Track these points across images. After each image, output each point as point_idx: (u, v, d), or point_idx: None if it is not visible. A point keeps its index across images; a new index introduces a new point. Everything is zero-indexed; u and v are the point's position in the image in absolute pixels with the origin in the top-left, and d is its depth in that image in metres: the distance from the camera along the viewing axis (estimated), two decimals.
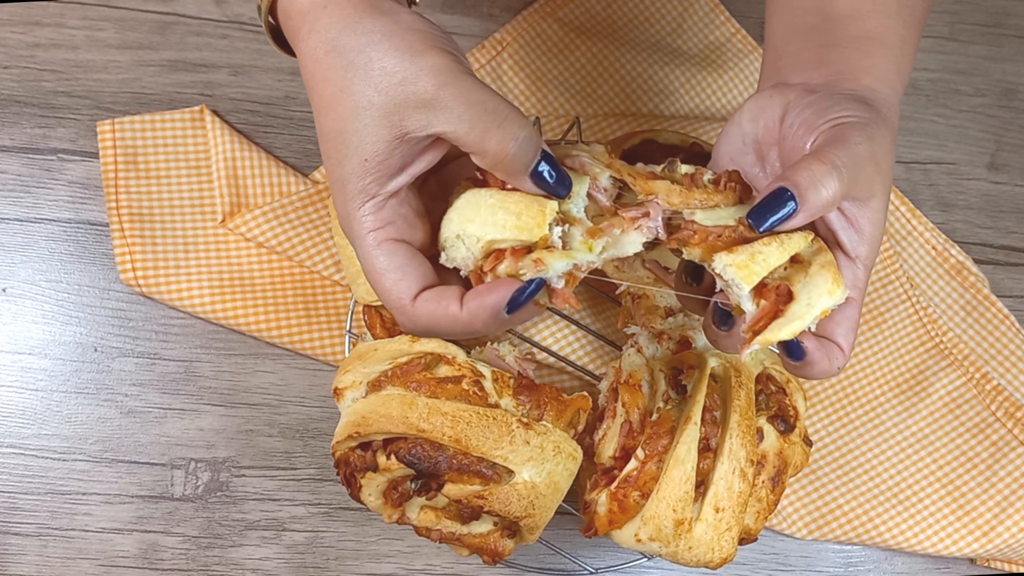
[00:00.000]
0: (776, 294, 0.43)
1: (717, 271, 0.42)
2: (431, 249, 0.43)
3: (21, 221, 0.68)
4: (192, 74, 0.71)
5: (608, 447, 0.57)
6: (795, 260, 0.43)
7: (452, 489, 0.51)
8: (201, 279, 0.67)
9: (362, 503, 0.55)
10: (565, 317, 0.68)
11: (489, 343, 0.61)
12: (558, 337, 0.68)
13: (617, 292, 0.64)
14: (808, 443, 0.59)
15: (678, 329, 0.61)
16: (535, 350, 0.67)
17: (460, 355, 0.55)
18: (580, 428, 0.56)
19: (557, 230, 0.40)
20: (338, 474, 0.54)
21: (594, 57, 0.74)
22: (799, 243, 0.43)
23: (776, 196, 0.41)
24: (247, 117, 0.71)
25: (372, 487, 0.54)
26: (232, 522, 0.66)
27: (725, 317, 0.45)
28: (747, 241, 0.42)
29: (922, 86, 0.79)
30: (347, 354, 0.64)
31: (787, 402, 0.57)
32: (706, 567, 0.54)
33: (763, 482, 0.56)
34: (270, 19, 0.43)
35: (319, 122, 0.40)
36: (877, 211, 0.44)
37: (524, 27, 0.74)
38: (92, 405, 0.66)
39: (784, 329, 0.42)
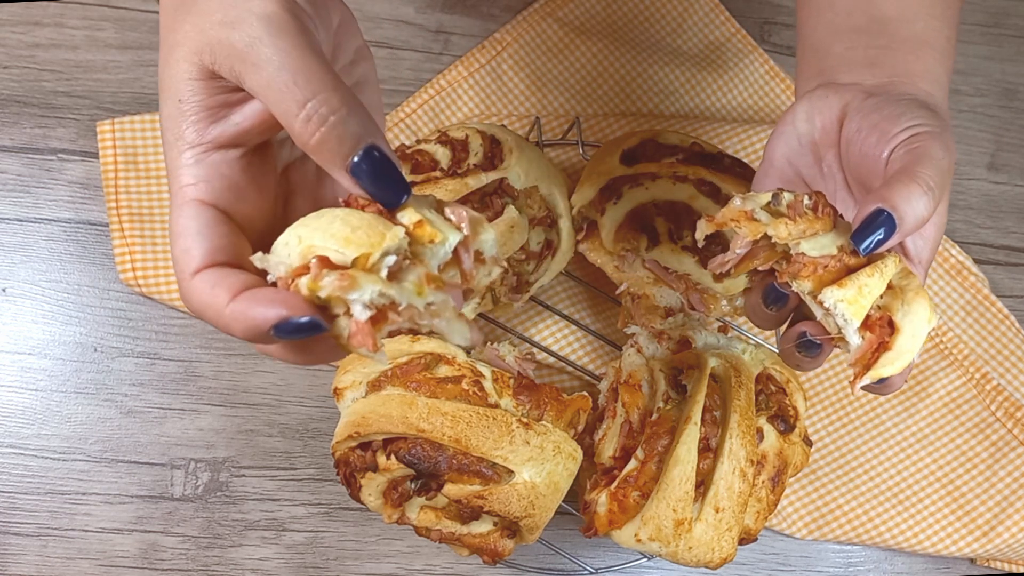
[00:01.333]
0: (880, 326, 0.42)
1: (827, 306, 0.41)
2: (257, 227, 0.36)
3: (21, 221, 0.68)
4: None
5: (608, 447, 0.57)
6: (888, 285, 0.43)
7: (452, 489, 0.51)
8: None
9: (362, 503, 0.55)
10: (565, 317, 0.68)
11: (489, 343, 0.61)
12: (558, 337, 0.68)
13: (617, 292, 0.64)
14: (808, 443, 0.59)
15: (678, 329, 0.61)
16: (535, 350, 0.67)
17: (460, 355, 0.55)
18: (580, 428, 0.56)
19: (391, 259, 0.32)
20: (338, 474, 0.54)
21: (594, 57, 0.74)
22: (892, 268, 0.42)
23: (875, 217, 0.40)
24: None
25: (372, 487, 0.54)
26: (232, 522, 0.66)
27: (812, 346, 0.44)
28: (849, 269, 0.42)
29: None
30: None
31: (787, 402, 0.57)
32: (706, 567, 0.54)
33: (763, 482, 0.56)
34: None
35: (162, 40, 0.35)
36: (941, 215, 0.44)
37: (524, 27, 0.74)
38: (92, 405, 0.66)
39: (895, 364, 0.41)
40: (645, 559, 0.65)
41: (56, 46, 0.70)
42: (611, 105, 0.74)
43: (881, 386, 0.43)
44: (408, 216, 0.33)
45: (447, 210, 0.35)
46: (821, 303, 0.41)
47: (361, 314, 0.31)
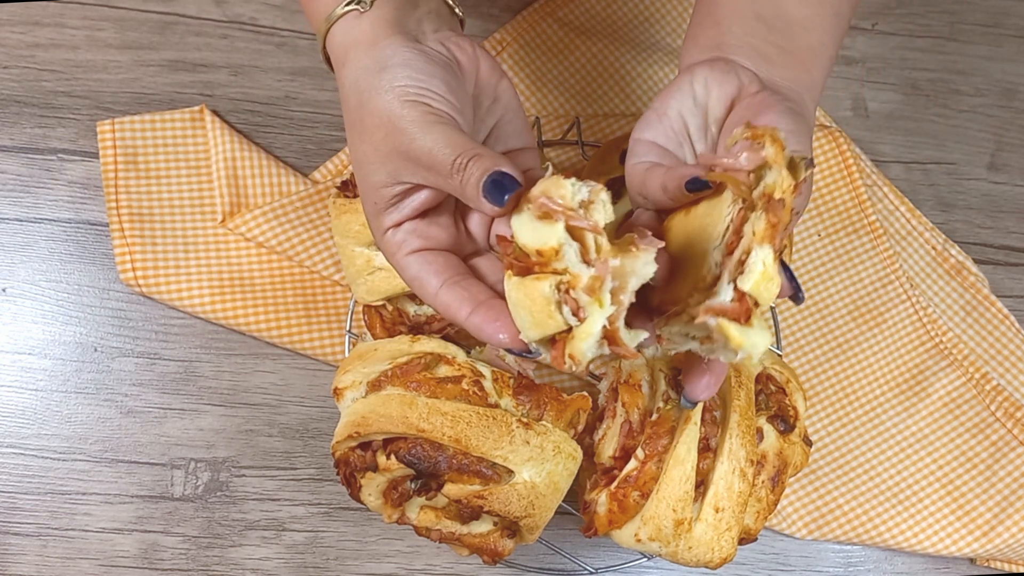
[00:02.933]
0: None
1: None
2: (461, 241, 0.46)
3: (21, 221, 0.68)
4: (192, 74, 0.71)
5: (608, 447, 0.57)
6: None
7: (452, 489, 0.51)
8: (201, 279, 0.67)
9: (362, 503, 0.55)
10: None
11: (489, 343, 0.61)
12: None
13: None
14: (808, 443, 0.59)
15: None
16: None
17: (460, 355, 0.55)
18: (580, 428, 0.56)
19: (566, 310, 0.38)
20: (338, 474, 0.54)
21: (594, 57, 0.74)
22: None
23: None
24: (247, 117, 0.71)
25: (372, 487, 0.54)
26: (232, 522, 0.66)
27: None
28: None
29: (922, 86, 0.79)
30: (347, 354, 0.64)
31: (787, 402, 0.57)
32: (706, 567, 0.54)
33: (763, 482, 0.56)
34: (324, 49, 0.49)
35: (351, 151, 0.46)
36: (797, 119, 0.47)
37: (524, 27, 0.74)
38: (92, 405, 0.66)
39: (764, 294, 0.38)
40: (645, 559, 0.65)
41: (56, 46, 0.70)
42: (611, 105, 0.74)
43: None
44: (525, 250, 0.39)
45: (534, 207, 0.39)
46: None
47: (601, 350, 0.38)
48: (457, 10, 0.50)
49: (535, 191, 0.39)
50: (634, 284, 0.38)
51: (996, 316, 0.73)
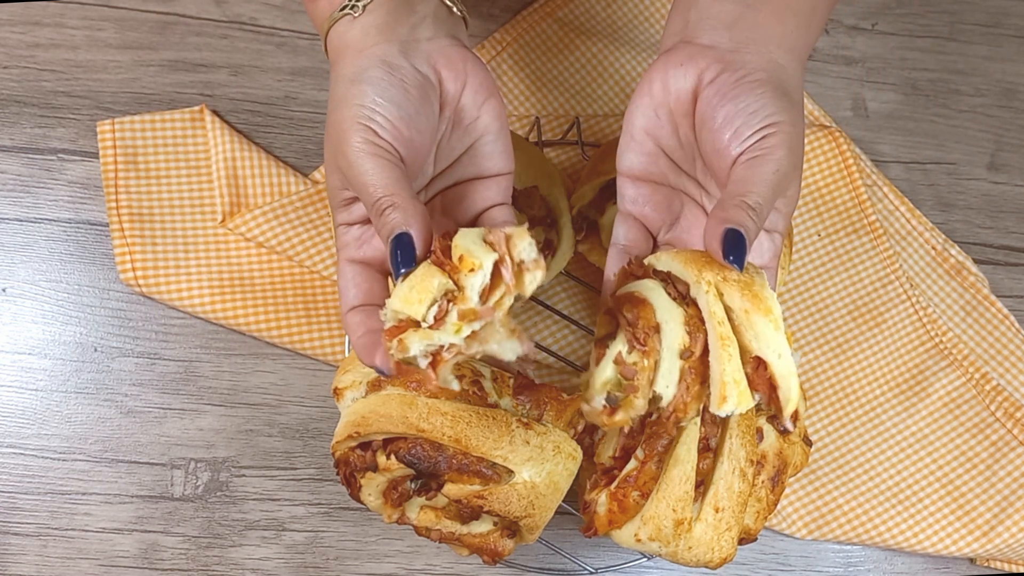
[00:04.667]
0: (758, 375, 0.46)
1: (728, 415, 0.46)
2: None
3: (21, 221, 0.68)
4: (192, 74, 0.71)
5: (608, 447, 0.57)
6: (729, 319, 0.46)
7: (452, 489, 0.51)
8: (201, 279, 0.67)
9: (362, 503, 0.55)
10: (565, 317, 0.68)
11: None
12: (558, 337, 0.68)
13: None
14: (808, 443, 0.59)
15: None
16: (535, 350, 0.67)
17: None
18: (580, 428, 0.56)
19: (433, 309, 0.40)
20: (338, 474, 0.54)
21: (594, 57, 0.74)
22: (717, 333, 0.45)
23: (733, 237, 0.44)
24: (247, 117, 0.71)
25: (372, 487, 0.54)
26: (232, 522, 0.66)
27: None
28: (700, 370, 0.47)
29: (922, 86, 0.79)
30: (347, 354, 0.64)
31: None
32: (706, 567, 0.54)
33: (763, 482, 0.56)
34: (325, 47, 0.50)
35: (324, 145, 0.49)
36: (794, 195, 0.48)
37: (524, 27, 0.74)
38: (92, 405, 0.66)
39: (791, 394, 0.45)
40: (645, 559, 0.65)
41: (56, 46, 0.70)
42: (611, 105, 0.74)
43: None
44: (455, 252, 0.41)
45: (489, 235, 0.42)
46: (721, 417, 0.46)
47: (423, 363, 0.41)
48: (456, 9, 0.50)
49: (490, 237, 0.42)
50: (491, 349, 0.42)
51: (996, 316, 0.73)
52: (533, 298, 0.67)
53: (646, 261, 0.51)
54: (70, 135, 0.69)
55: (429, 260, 0.42)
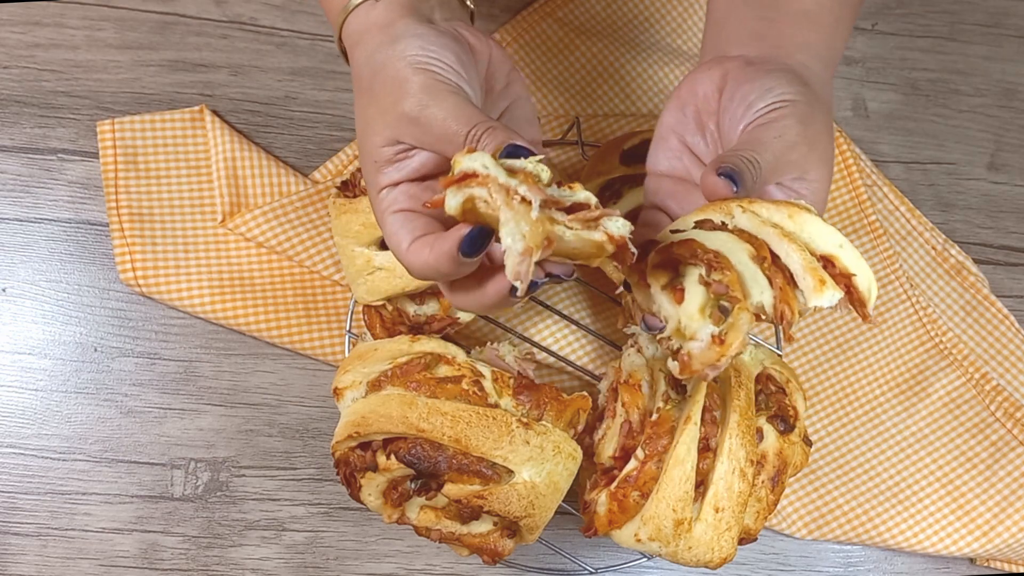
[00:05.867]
0: (833, 275, 0.44)
1: (828, 307, 0.44)
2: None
3: (21, 221, 0.68)
4: (192, 74, 0.71)
5: (608, 447, 0.57)
6: (785, 234, 0.45)
7: (452, 489, 0.51)
8: (201, 279, 0.67)
9: (362, 503, 0.55)
10: (565, 317, 0.68)
11: (489, 343, 0.61)
12: (558, 337, 0.68)
13: (617, 292, 0.64)
14: (808, 443, 0.59)
15: None
16: (535, 350, 0.67)
17: (460, 355, 0.55)
18: (580, 428, 0.56)
19: (517, 162, 0.39)
20: (338, 474, 0.54)
21: (594, 57, 0.74)
22: (782, 220, 0.45)
23: (729, 171, 0.45)
24: (247, 117, 0.71)
25: (372, 487, 0.54)
26: (232, 522, 0.66)
27: None
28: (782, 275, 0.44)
29: (922, 86, 0.79)
30: (347, 354, 0.64)
31: (787, 402, 0.57)
32: (706, 567, 0.54)
33: (763, 482, 0.56)
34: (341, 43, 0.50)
35: (357, 117, 0.48)
36: (816, 181, 0.48)
37: (524, 27, 0.74)
38: (92, 405, 0.66)
39: (873, 288, 0.44)
40: (645, 559, 0.65)
41: (56, 46, 0.70)
42: (611, 105, 0.74)
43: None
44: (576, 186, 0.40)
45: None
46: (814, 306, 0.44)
47: (461, 167, 0.38)
48: (468, 1, 0.52)
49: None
50: (558, 231, 0.39)
51: (996, 316, 0.73)
52: (533, 298, 0.67)
53: (669, 229, 0.49)
54: (70, 135, 0.69)
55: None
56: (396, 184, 0.46)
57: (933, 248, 0.74)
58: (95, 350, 0.67)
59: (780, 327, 0.44)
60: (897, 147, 0.78)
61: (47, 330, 0.67)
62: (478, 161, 0.38)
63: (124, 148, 0.68)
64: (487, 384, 0.53)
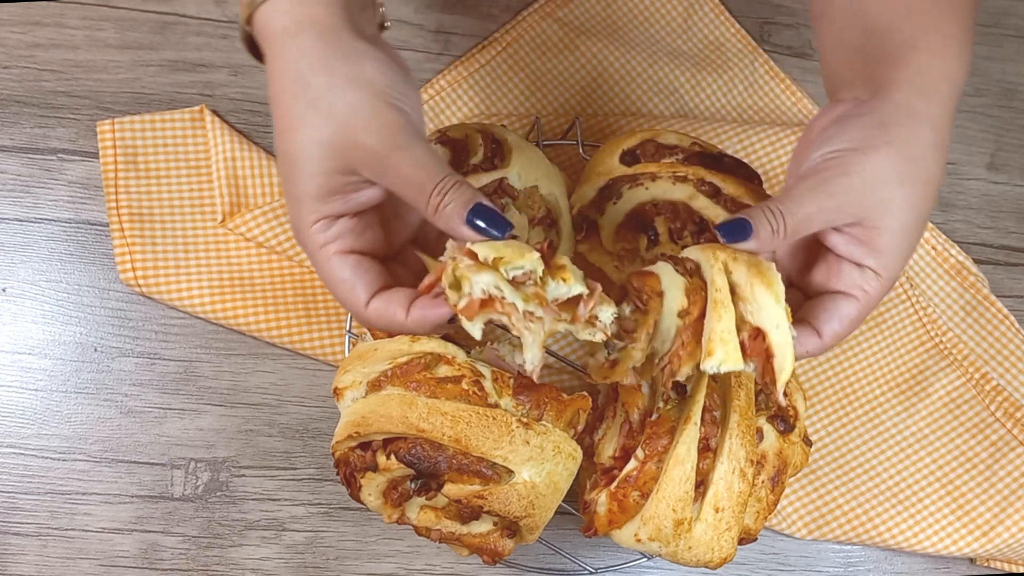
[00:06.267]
0: (752, 342, 0.48)
1: (715, 372, 0.47)
2: (382, 247, 0.47)
3: (21, 221, 0.68)
4: (192, 74, 0.71)
5: (608, 447, 0.57)
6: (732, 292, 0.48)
7: (452, 489, 0.51)
8: (201, 279, 0.67)
9: (362, 503, 0.55)
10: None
11: (489, 343, 0.61)
12: (558, 337, 0.68)
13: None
14: (808, 443, 0.59)
15: None
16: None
17: (460, 355, 0.55)
18: (580, 428, 0.55)
19: (519, 271, 0.42)
20: (338, 474, 0.54)
21: (594, 57, 0.74)
22: (720, 288, 0.48)
23: (739, 223, 0.47)
24: (247, 117, 0.71)
25: (372, 487, 0.54)
26: (232, 522, 0.66)
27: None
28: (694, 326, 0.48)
29: None
30: (347, 354, 0.64)
31: (787, 402, 0.57)
32: (706, 567, 0.54)
33: (763, 482, 0.56)
34: (246, 27, 0.46)
35: (278, 141, 0.44)
36: (888, 228, 0.47)
37: (524, 27, 0.74)
38: (92, 405, 0.66)
39: (785, 365, 0.47)
40: (645, 559, 0.65)
41: (56, 46, 0.70)
42: (611, 105, 0.74)
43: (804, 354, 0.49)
44: (559, 260, 0.44)
45: (591, 282, 0.45)
46: (707, 372, 0.47)
47: (476, 293, 0.42)
48: (385, 23, 0.50)
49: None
50: (524, 339, 0.44)
51: (996, 316, 0.73)
52: None
53: (671, 253, 0.54)
54: (70, 135, 0.69)
55: (531, 244, 0.44)
56: (337, 217, 0.44)
57: (933, 248, 0.74)
58: (95, 350, 0.67)
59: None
60: None
61: (47, 330, 0.67)
62: (490, 283, 0.42)
63: (124, 148, 0.68)
64: (487, 384, 0.53)
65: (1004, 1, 0.81)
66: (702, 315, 0.48)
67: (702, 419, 0.54)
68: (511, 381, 0.54)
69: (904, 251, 0.48)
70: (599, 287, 0.44)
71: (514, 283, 0.42)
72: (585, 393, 0.55)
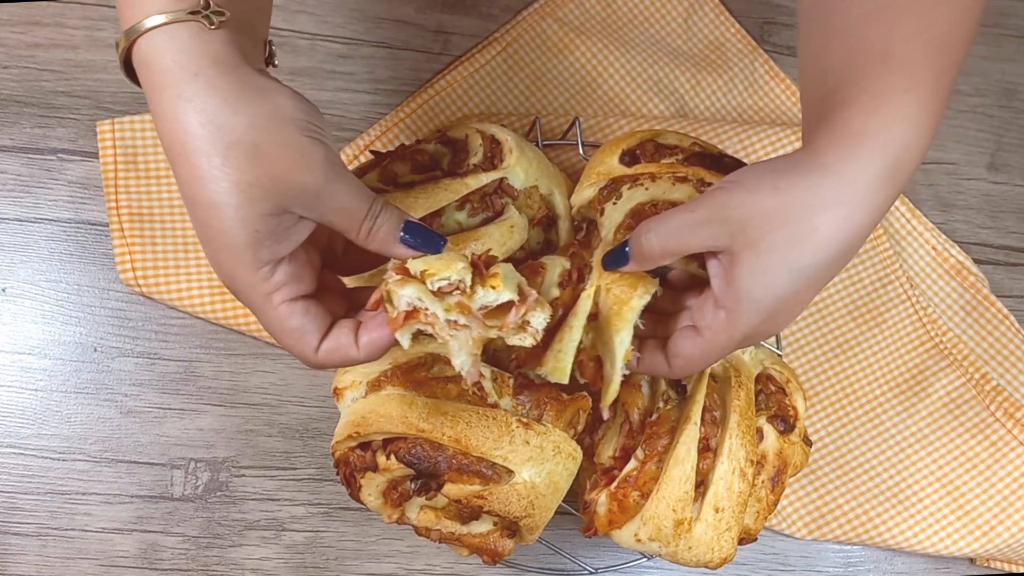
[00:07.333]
0: (591, 366, 0.53)
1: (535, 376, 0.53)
2: (315, 286, 0.46)
3: (21, 221, 0.68)
4: None
5: (608, 447, 0.57)
6: (591, 319, 0.53)
7: (452, 489, 0.51)
8: (201, 279, 0.67)
9: (362, 503, 0.55)
10: None
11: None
12: None
13: None
14: (808, 443, 0.59)
15: None
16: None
17: None
18: (580, 428, 0.55)
19: (444, 282, 0.43)
20: (338, 474, 0.54)
21: (594, 57, 0.74)
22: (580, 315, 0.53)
23: (619, 249, 0.51)
24: None
25: (372, 487, 0.54)
26: (232, 522, 0.66)
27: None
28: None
29: None
30: None
31: (787, 402, 0.57)
32: (706, 567, 0.54)
33: (763, 482, 0.56)
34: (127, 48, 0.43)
35: (190, 189, 0.40)
36: (747, 267, 0.43)
37: (524, 27, 0.74)
38: (92, 405, 0.66)
39: (607, 399, 0.52)
40: (645, 559, 0.65)
41: (56, 46, 0.70)
42: (611, 105, 0.74)
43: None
44: (495, 269, 0.45)
45: (525, 286, 0.45)
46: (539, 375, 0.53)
47: (401, 306, 0.43)
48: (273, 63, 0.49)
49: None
50: (451, 347, 0.44)
51: (996, 316, 0.73)
52: None
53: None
54: (70, 135, 0.69)
55: (465, 255, 0.46)
56: (276, 263, 0.42)
57: (933, 248, 0.74)
58: (95, 350, 0.67)
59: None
60: None
61: (47, 330, 0.67)
62: (413, 295, 0.43)
63: (124, 148, 0.68)
64: (487, 384, 0.53)
65: (1004, 1, 0.81)
66: (559, 324, 0.54)
67: (702, 419, 0.54)
68: (511, 381, 0.54)
69: (760, 302, 0.44)
70: (534, 293, 0.45)
71: (439, 293, 0.43)
72: (585, 393, 0.55)
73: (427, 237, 0.45)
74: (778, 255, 0.43)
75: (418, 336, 0.46)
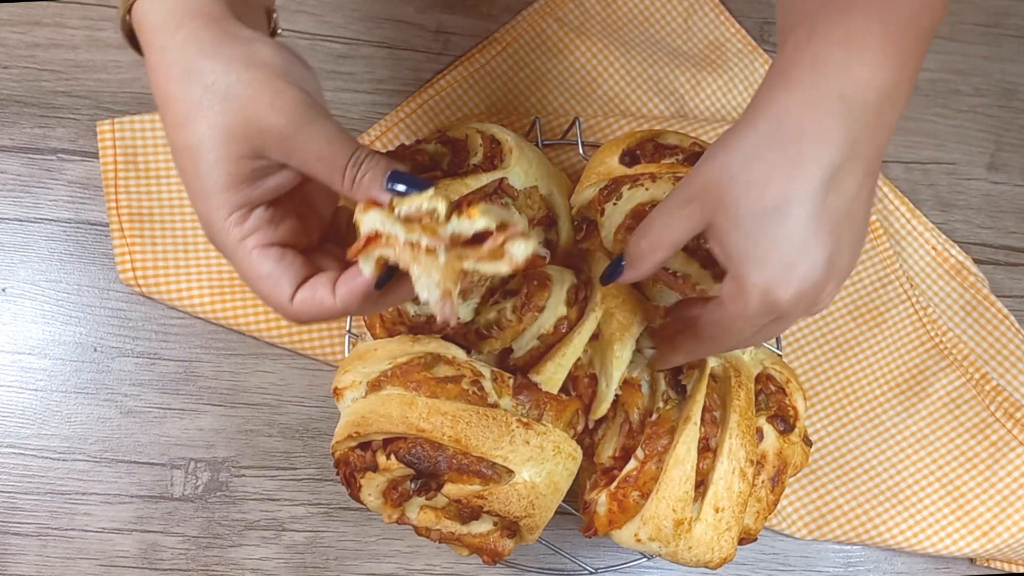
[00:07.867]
0: (586, 383, 0.57)
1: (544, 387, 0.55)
2: (301, 237, 0.44)
3: (21, 221, 0.68)
4: None
5: (608, 447, 0.57)
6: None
7: (452, 489, 0.51)
8: (201, 279, 0.67)
9: (362, 503, 0.55)
10: None
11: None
12: None
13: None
14: (808, 443, 0.59)
15: None
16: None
17: (460, 355, 0.55)
18: (580, 428, 0.56)
19: (411, 207, 0.39)
20: (338, 474, 0.54)
21: (594, 57, 0.74)
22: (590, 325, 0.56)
23: (615, 263, 0.49)
24: None
25: (372, 487, 0.54)
26: (232, 522, 0.66)
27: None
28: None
29: (922, 86, 0.79)
30: (347, 354, 0.64)
31: (787, 402, 0.57)
32: (706, 567, 0.54)
33: (763, 482, 0.56)
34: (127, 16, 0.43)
35: (173, 135, 0.41)
36: (725, 233, 0.42)
37: (524, 27, 0.74)
38: (92, 405, 0.66)
39: (596, 414, 0.57)
40: (645, 559, 0.65)
41: (56, 46, 0.70)
42: (611, 105, 0.74)
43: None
44: (473, 208, 0.40)
45: (508, 216, 0.43)
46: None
47: (364, 230, 0.39)
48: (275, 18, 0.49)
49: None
50: (414, 272, 0.40)
51: (996, 316, 0.73)
52: None
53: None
54: (70, 135, 0.69)
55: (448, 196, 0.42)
56: (251, 208, 0.41)
57: (933, 248, 0.74)
58: (95, 350, 0.67)
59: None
60: (897, 147, 0.78)
61: (47, 330, 0.67)
62: (376, 220, 0.39)
63: (124, 148, 0.68)
64: (487, 384, 0.53)
65: (1004, 1, 0.81)
66: (561, 338, 0.57)
67: (702, 419, 0.54)
68: (511, 381, 0.54)
69: (762, 254, 0.41)
70: (519, 225, 0.41)
71: (408, 221, 0.39)
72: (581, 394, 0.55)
73: (415, 182, 0.41)
74: (743, 205, 0.41)
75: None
